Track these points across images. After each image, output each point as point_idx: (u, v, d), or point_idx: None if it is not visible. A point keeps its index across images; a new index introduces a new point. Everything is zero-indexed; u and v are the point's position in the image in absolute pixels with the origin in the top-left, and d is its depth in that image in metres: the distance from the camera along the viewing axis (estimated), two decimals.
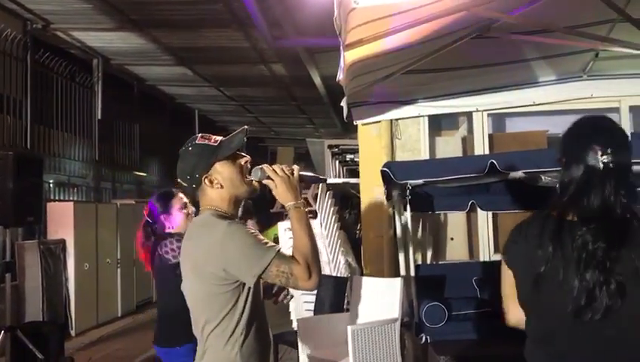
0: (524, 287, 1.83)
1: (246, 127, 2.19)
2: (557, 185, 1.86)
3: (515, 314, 1.90)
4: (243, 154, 2.19)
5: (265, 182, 2.14)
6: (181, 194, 3.55)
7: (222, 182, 2.13)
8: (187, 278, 2.15)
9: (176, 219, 3.51)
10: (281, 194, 2.10)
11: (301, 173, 2.18)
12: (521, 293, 1.85)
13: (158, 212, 3.55)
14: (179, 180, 2.21)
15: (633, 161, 1.83)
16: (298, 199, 2.09)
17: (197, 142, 2.16)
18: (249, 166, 2.19)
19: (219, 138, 2.18)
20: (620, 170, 1.77)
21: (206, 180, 2.13)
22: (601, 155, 1.75)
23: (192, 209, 3.51)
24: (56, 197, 10.13)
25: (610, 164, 1.75)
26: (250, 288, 2.05)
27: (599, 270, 1.66)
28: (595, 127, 1.86)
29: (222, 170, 2.13)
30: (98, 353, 7.41)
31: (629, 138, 1.90)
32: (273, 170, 2.12)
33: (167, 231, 3.51)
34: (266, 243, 2.03)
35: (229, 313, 2.04)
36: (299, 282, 2.00)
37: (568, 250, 1.70)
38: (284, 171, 2.12)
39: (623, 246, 1.67)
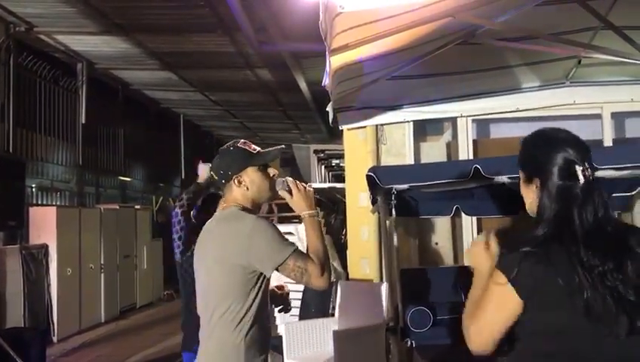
0: (544, 315, 1.69)
1: (282, 146, 2.54)
2: (537, 207, 1.78)
3: (487, 344, 1.74)
4: (273, 168, 2.48)
5: (280, 193, 2.43)
6: None
7: (248, 185, 2.38)
8: (204, 266, 2.34)
9: None
10: (297, 203, 2.40)
11: (314, 186, 2.47)
12: (540, 322, 1.70)
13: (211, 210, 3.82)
14: (211, 173, 2.48)
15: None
16: (312, 209, 2.38)
17: (239, 145, 2.42)
18: (275, 178, 2.46)
19: (257, 148, 2.45)
20: (598, 182, 1.74)
21: (235, 180, 2.37)
22: (582, 170, 1.71)
23: None
24: (39, 202, 10.02)
25: (591, 178, 1.71)
26: (263, 281, 2.26)
27: (613, 290, 1.61)
28: (563, 140, 1.78)
29: (252, 175, 2.39)
30: (81, 359, 7.34)
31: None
32: (295, 182, 2.42)
33: None
34: (287, 239, 2.26)
35: (240, 301, 2.21)
36: (312, 278, 2.20)
37: (581, 276, 1.62)
38: (301, 185, 2.43)
39: (628, 260, 1.64)
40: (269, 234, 2.22)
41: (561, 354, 1.68)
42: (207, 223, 2.45)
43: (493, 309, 1.71)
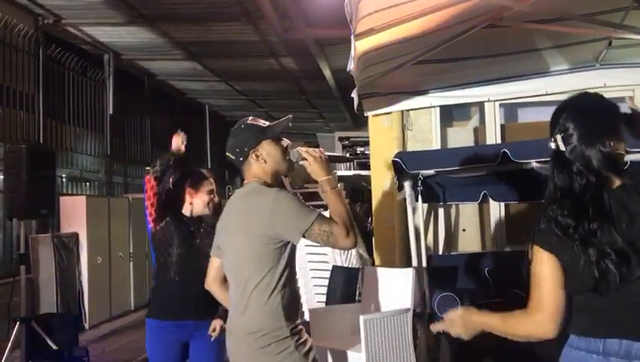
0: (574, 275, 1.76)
1: (290, 116, 2.57)
2: None
3: (554, 318, 1.74)
4: (285, 139, 2.55)
5: (301, 162, 2.47)
6: (212, 180, 3.48)
7: (266, 158, 2.47)
8: (232, 242, 2.46)
9: (199, 201, 3.43)
10: (315, 170, 2.43)
11: (327, 153, 2.53)
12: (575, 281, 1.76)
13: (187, 184, 3.46)
14: (227, 154, 2.54)
15: None
16: (328, 174, 2.41)
17: (248, 122, 2.53)
18: (289, 149, 2.53)
19: (266, 122, 2.54)
20: (579, 155, 1.77)
21: (253, 155, 2.46)
22: (559, 138, 1.81)
23: (216, 199, 3.47)
24: (69, 192, 10.20)
25: (568, 147, 1.79)
26: (290, 249, 2.38)
27: (591, 247, 1.68)
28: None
29: (268, 148, 2.47)
30: (111, 345, 7.47)
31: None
32: (307, 151, 2.46)
33: (182, 210, 3.44)
34: (309, 206, 2.38)
35: (271, 269, 2.34)
36: (338, 240, 2.27)
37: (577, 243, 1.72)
38: (314, 152, 2.46)
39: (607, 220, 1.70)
40: (291, 204, 2.32)
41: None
42: (230, 199, 2.57)
43: (548, 281, 1.73)
